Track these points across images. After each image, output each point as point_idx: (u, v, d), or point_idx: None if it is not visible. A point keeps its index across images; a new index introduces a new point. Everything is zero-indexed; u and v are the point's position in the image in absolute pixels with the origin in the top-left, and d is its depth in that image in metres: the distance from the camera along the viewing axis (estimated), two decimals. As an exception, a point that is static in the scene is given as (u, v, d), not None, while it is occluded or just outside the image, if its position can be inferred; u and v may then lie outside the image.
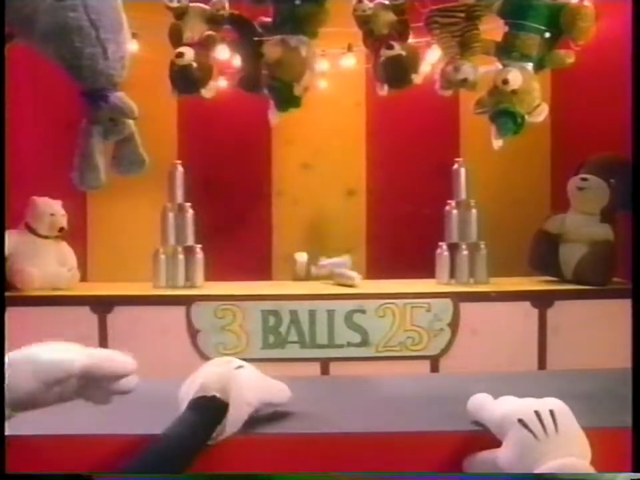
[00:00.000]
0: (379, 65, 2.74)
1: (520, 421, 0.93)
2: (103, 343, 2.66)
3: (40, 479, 0.97)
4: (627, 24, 1.76)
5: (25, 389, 0.86)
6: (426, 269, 3.14)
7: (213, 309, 2.86)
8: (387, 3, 2.72)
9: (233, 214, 3.71)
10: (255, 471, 1.03)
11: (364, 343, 2.88)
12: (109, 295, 2.92)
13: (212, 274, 3.14)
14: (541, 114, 2.50)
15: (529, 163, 3.64)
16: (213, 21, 2.66)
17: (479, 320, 2.90)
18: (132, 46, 2.12)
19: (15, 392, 0.86)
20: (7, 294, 2.76)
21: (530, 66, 2.46)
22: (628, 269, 1.76)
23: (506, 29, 2.48)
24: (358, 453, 1.05)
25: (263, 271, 3.67)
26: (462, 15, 2.54)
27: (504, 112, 2.44)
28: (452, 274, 3.10)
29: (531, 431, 0.92)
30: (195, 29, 2.65)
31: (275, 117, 2.81)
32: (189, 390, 1.05)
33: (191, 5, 2.67)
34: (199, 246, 3.12)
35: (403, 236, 3.62)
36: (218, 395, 1.02)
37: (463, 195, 3.15)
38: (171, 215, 3.12)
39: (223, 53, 2.88)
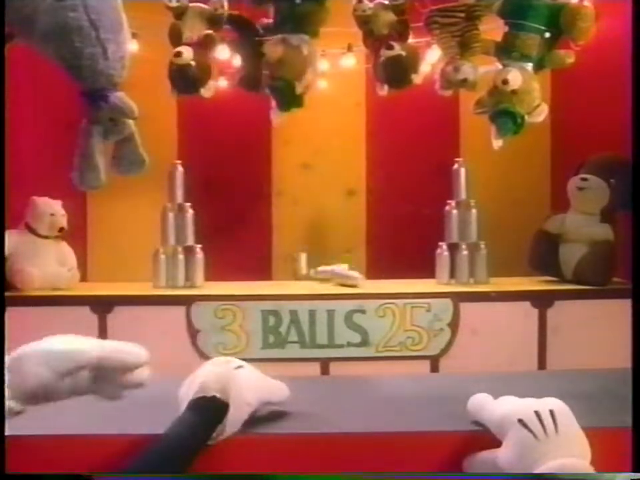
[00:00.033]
0: (378, 65, 2.73)
1: (520, 421, 0.93)
2: (103, 343, 2.66)
3: (40, 479, 0.97)
4: (627, 24, 1.75)
5: (38, 380, 0.85)
6: (426, 269, 3.14)
7: (212, 309, 2.86)
8: (386, 2, 2.72)
9: (233, 214, 3.72)
10: (255, 471, 1.03)
11: (364, 342, 2.88)
12: (109, 295, 2.92)
13: (212, 274, 3.14)
14: (541, 114, 2.49)
15: (529, 163, 3.64)
16: (212, 20, 2.65)
17: (478, 320, 2.90)
18: (132, 46, 2.12)
19: (27, 384, 0.85)
20: (7, 294, 2.76)
21: (530, 66, 2.46)
22: (628, 268, 1.76)
23: (506, 28, 2.48)
24: (358, 453, 1.05)
25: (263, 271, 3.67)
26: (462, 15, 2.54)
27: (504, 112, 2.44)
28: (452, 274, 3.10)
29: (530, 431, 0.92)
30: (194, 29, 2.65)
31: (277, 117, 2.80)
32: (188, 390, 1.05)
33: (191, 4, 2.67)
34: (199, 246, 3.12)
35: (403, 236, 3.62)
36: (218, 395, 1.02)
37: (463, 195, 3.15)
38: (170, 215, 3.12)
39: (222, 52, 2.88)
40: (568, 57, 2.44)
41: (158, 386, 1.07)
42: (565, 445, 0.91)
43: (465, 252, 3.09)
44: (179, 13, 2.66)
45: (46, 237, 3.09)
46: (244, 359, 1.12)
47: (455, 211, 3.14)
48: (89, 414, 1.14)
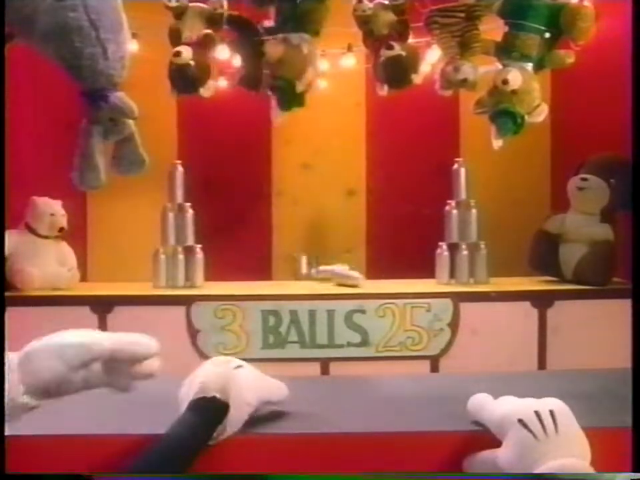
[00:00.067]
0: (378, 65, 2.73)
1: (520, 421, 0.93)
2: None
3: (40, 479, 0.97)
4: (627, 24, 1.75)
5: (51, 374, 0.86)
6: (426, 269, 3.14)
7: (213, 309, 2.86)
8: (386, 2, 2.72)
9: (233, 214, 3.72)
10: (255, 471, 1.03)
11: (364, 342, 2.88)
12: (109, 295, 2.92)
13: (212, 274, 3.14)
14: (541, 114, 2.49)
15: (529, 163, 3.64)
16: (212, 20, 2.65)
17: (479, 320, 2.90)
18: (132, 46, 2.12)
19: (41, 379, 0.86)
20: (7, 294, 2.76)
21: (530, 66, 2.46)
22: (628, 268, 1.76)
23: (506, 29, 2.48)
24: (358, 453, 1.05)
25: (263, 271, 3.67)
26: (462, 15, 2.54)
27: (504, 112, 2.44)
28: (452, 274, 3.10)
29: (530, 431, 0.92)
30: (193, 29, 2.65)
31: (278, 117, 2.80)
32: (188, 390, 1.05)
33: (190, 4, 2.67)
34: (199, 246, 3.12)
35: (403, 236, 3.62)
36: (218, 395, 1.02)
37: (463, 195, 3.15)
38: (170, 215, 3.12)
39: (222, 52, 2.88)
40: (568, 56, 2.44)
41: (158, 386, 1.07)
42: (565, 445, 0.91)
43: (465, 252, 3.09)
44: (179, 13, 2.66)
45: (46, 237, 3.09)
46: (244, 359, 1.12)
47: (454, 211, 3.14)
48: (89, 414, 1.14)
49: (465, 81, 2.53)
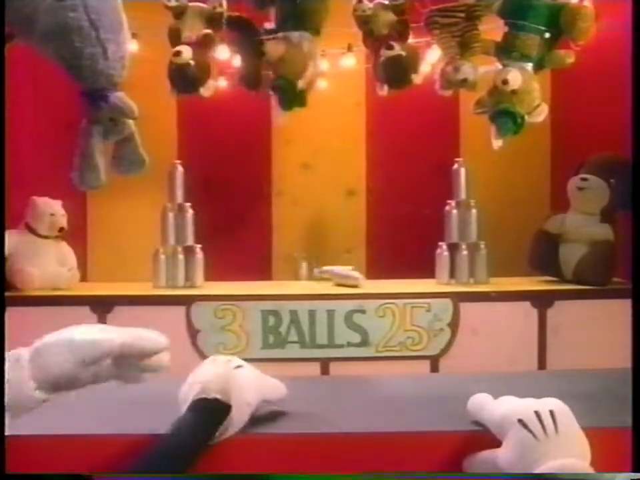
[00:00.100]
0: (378, 65, 2.73)
1: (520, 421, 0.93)
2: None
3: (40, 479, 0.97)
4: (627, 24, 1.75)
5: (61, 370, 0.87)
6: (426, 269, 3.15)
7: (213, 309, 2.87)
8: (386, 2, 2.72)
9: (233, 214, 3.72)
10: (255, 471, 1.03)
11: (364, 342, 2.88)
12: (109, 295, 2.92)
13: (212, 274, 3.14)
14: (541, 114, 2.49)
15: (529, 163, 3.64)
16: (211, 19, 2.65)
17: (479, 320, 2.90)
18: (132, 46, 2.11)
19: (51, 374, 0.87)
20: (7, 294, 2.76)
21: (530, 66, 2.45)
22: (628, 268, 1.76)
23: (506, 29, 2.47)
24: (358, 453, 1.05)
25: (263, 271, 3.67)
26: (462, 15, 2.53)
27: (504, 112, 2.43)
28: (452, 274, 3.10)
29: (530, 431, 0.92)
30: (193, 28, 2.64)
31: (279, 117, 2.79)
32: (189, 390, 1.04)
33: (190, 4, 2.67)
34: (199, 246, 3.12)
35: (403, 236, 3.62)
36: (219, 396, 1.02)
37: (462, 195, 3.16)
38: (170, 215, 3.13)
39: (222, 52, 2.88)
40: (568, 56, 2.44)
41: (158, 386, 1.07)
42: (564, 445, 0.91)
43: (465, 252, 3.09)
44: (178, 13, 2.66)
45: (46, 237, 3.09)
46: (244, 359, 1.12)
47: (454, 211, 3.14)
48: (89, 414, 1.14)
49: (465, 81, 2.53)
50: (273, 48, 2.62)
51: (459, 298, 2.92)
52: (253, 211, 3.79)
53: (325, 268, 3.29)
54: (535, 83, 2.47)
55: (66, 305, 2.83)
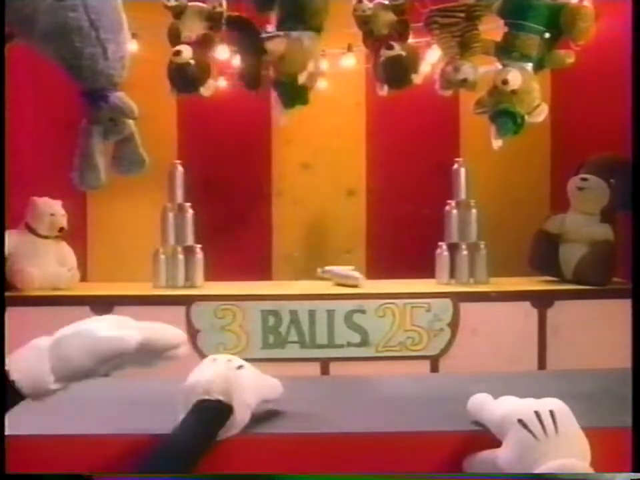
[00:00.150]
0: (378, 65, 2.73)
1: (520, 421, 0.93)
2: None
3: (40, 479, 0.97)
4: (627, 24, 1.75)
5: (78, 364, 0.90)
6: (426, 269, 3.14)
7: (213, 309, 2.86)
8: (386, 2, 2.72)
9: (233, 214, 3.71)
10: (256, 470, 1.03)
11: (364, 342, 2.88)
12: (109, 295, 2.92)
13: (212, 274, 3.14)
14: (541, 114, 2.49)
15: (529, 162, 3.64)
16: (211, 19, 2.65)
17: (479, 320, 2.90)
18: (132, 46, 2.12)
19: (69, 367, 0.90)
20: (7, 294, 2.76)
21: (530, 66, 2.46)
22: (628, 268, 1.76)
23: (506, 29, 2.47)
24: (358, 453, 1.05)
25: (263, 271, 3.67)
26: (462, 15, 2.53)
27: (504, 112, 2.43)
28: (452, 274, 3.10)
29: (530, 431, 0.92)
30: (193, 28, 2.64)
31: (281, 116, 2.79)
32: (191, 391, 1.04)
33: (189, 3, 2.67)
34: (199, 246, 3.12)
35: (403, 236, 3.62)
36: (221, 397, 1.02)
37: (462, 195, 3.15)
38: (170, 215, 3.13)
39: (222, 52, 2.88)
40: (568, 56, 2.44)
41: (158, 386, 1.07)
42: (564, 445, 0.91)
43: (465, 252, 3.09)
44: (178, 12, 2.66)
45: (46, 237, 3.09)
46: (244, 359, 1.12)
47: (454, 211, 3.14)
48: (89, 414, 1.14)
49: (464, 81, 2.53)
50: (274, 46, 2.61)
51: (458, 298, 2.92)
52: (253, 210, 3.79)
53: (327, 268, 3.29)
54: (535, 83, 2.47)
55: (66, 305, 2.83)
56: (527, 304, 2.91)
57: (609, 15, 2.58)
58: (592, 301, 2.89)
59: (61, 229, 3.11)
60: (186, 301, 2.88)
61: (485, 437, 0.99)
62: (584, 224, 3.03)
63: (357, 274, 3.13)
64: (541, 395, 0.98)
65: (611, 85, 2.71)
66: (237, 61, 2.92)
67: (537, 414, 0.93)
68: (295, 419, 1.13)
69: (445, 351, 2.89)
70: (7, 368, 0.88)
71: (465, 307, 2.90)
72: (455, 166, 3.18)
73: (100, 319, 0.95)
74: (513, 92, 2.42)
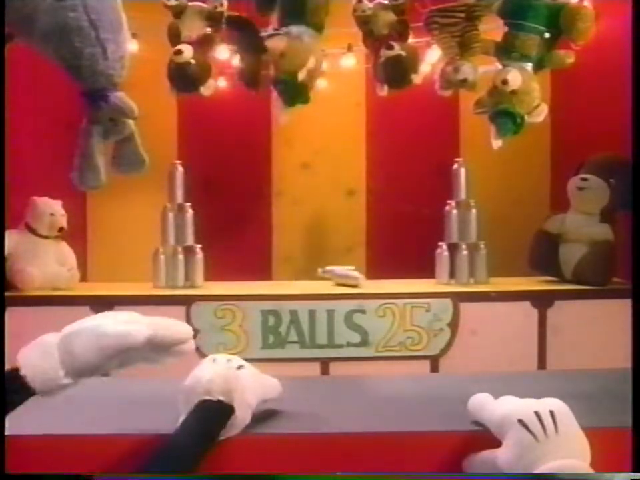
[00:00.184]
0: (378, 65, 2.73)
1: (520, 421, 0.93)
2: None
3: (40, 479, 0.97)
4: (627, 24, 1.75)
5: (87, 359, 0.91)
6: (426, 269, 3.15)
7: (213, 309, 2.86)
8: (386, 2, 2.71)
9: (233, 214, 3.71)
10: (255, 471, 1.03)
11: (364, 342, 2.88)
12: (109, 295, 2.92)
13: (212, 274, 3.14)
14: (541, 114, 2.49)
15: (529, 162, 3.64)
16: (211, 18, 2.65)
17: (478, 320, 2.90)
18: (132, 46, 2.12)
19: (78, 363, 0.91)
20: (7, 294, 2.76)
21: (529, 66, 2.45)
22: (628, 268, 1.76)
23: (506, 29, 2.47)
24: (358, 453, 1.05)
25: (262, 271, 3.67)
26: (462, 15, 2.53)
27: (503, 112, 2.43)
28: (452, 274, 3.10)
29: (530, 431, 0.92)
30: (193, 28, 2.64)
31: (282, 115, 2.78)
32: (191, 391, 1.04)
33: (189, 3, 2.66)
34: (199, 246, 3.12)
35: (403, 236, 3.62)
36: (222, 398, 1.02)
37: (462, 195, 3.16)
38: (170, 215, 3.13)
39: (222, 51, 2.88)
40: (568, 57, 2.44)
41: (158, 386, 1.07)
42: (564, 445, 0.91)
43: (465, 252, 3.09)
44: (178, 12, 2.65)
45: (46, 237, 3.09)
46: (244, 359, 1.12)
47: (454, 211, 3.14)
48: (89, 414, 1.14)
49: (464, 81, 2.53)
50: (275, 44, 2.61)
51: (458, 298, 2.92)
52: (252, 210, 3.79)
53: (328, 268, 3.29)
54: (535, 83, 2.47)
55: (66, 305, 2.83)
56: (527, 304, 2.91)
57: (609, 15, 2.58)
58: (592, 301, 2.89)
59: (61, 229, 3.11)
60: (186, 301, 2.88)
61: (485, 437, 0.99)
62: (584, 224, 3.03)
63: (357, 274, 3.13)
64: (541, 395, 0.98)
65: (611, 85, 2.71)
66: (237, 60, 2.91)
67: (537, 414, 0.93)
68: (295, 419, 1.13)
69: (444, 351, 2.89)
70: (17, 364, 0.89)
71: (464, 307, 2.90)
72: (455, 166, 3.18)
73: (108, 315, 0.95)
74: (513, 92, 2.42)
